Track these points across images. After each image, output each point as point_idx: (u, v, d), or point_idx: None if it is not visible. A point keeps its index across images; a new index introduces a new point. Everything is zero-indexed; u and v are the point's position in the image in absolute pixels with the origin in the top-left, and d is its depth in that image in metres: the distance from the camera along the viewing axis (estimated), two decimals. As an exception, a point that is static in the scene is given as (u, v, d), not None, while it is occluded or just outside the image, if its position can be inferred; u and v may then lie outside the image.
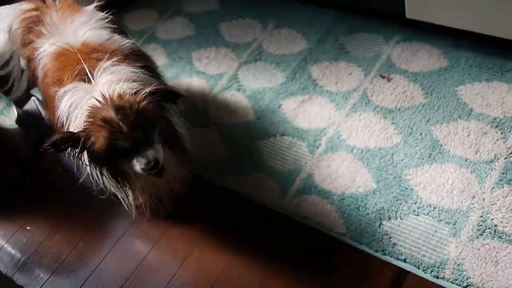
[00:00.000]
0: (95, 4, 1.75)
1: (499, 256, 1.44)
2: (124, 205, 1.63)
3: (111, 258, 1.75)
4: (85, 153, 1.45)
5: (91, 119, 1.38)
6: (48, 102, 1.63)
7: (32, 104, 2.17)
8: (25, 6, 1.82)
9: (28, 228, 1.90)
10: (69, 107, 1.46)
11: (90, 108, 1.39)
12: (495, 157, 1.63)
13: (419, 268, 1.48)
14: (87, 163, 1.49)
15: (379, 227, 1.58)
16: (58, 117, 1.52)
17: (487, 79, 1.83)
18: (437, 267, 1.47)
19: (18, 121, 2.08)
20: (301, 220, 1.67)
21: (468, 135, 1.70)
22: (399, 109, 1.83)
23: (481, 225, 1.50)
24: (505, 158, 1.62)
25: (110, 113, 1.35)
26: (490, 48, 1.91)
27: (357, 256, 1.56)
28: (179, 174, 1.65)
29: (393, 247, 1.53)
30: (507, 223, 1.49)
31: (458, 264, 1.46)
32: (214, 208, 1.78)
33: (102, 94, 1.39)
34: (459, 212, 1.54)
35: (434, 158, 1.68)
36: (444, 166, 1.65)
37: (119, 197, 1.61)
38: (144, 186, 1.57)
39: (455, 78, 1.87)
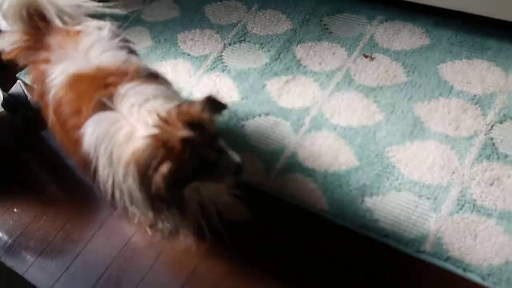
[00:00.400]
0: (98, 21, 1.60)
1: (477, 230, 1.47)
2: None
3: (98, 239, 1.77)
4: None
5: (161, 148, 1.21)
6: (66, 136, 1.47)
7: (18, 87, 2.16)
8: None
9: (15, 210, 1.91)
10: (96, 140, 1.31)
11: (152, 137, 1.22)
12: (474, 133, 1.65)
13: (400, 243, 1.51)
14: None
15: (362, 203, 1.60)
16: (83, 154, 1.36)
17: (468, 56, 1.85)
18: (418, 242, 1.50)
19: (3, 104, 2.08)
20: (285, 198, 1.69)
21: (449, 112, 1.72)
22: (382, 88, 1.85)
23: (460, 200, 1.53)
24: (485, 134, 1.64)
25: (185, 131, 1.21)
26: (471, 26, 1.92)
27: (340, 233, 1.59)
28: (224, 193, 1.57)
29: (375, 223, 1.56)
30: (486, 197, 1.52)
31: (438, 238, 1.48)
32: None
33: (161, 116, 1.25)
34: (439, 188, 1.57)
35: (415, 135, 1.70)
36: (425, 143, 1.67)
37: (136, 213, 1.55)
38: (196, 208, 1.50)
39: (436, 56, 1.88)
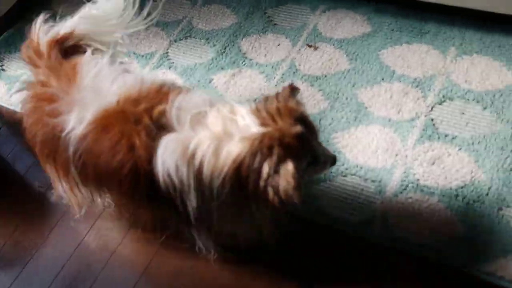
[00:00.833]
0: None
1: (421, 208, 1.51)
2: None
3: (49, 244, 1.74)
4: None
5: (277, 147, 1.11)
6: (116, 183, 1.28)
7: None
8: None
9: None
10: (170, 171, 1.17)
11: (258, 138, 1.12)
12: (416, 115, 1.69)
13: (348, 226, 1.53)
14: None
15: (309, 190, 1.62)
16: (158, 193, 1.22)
17: (408, 41, 1.89)
18: (365, 225, 1.52)
19: None
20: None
21: (391, 97, 1.76)
22: (326, 76, 1.87)
23: (404, 181, 1.56)
24: (425, 116, 1.68)
25: (297, 126, 1.14)
26: (410, 11, 1.97)
27: (290, 220, 1.60)
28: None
29: (323, 209, 1.58)
30: (428, 176, 1.56)
31: (385, 219, 1.51)
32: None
33: (263, 114, 1.15)
34: (383, 170, 1.60)
35: (359, 121, 1.73)
36: (369, 128, 1.70)
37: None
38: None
39: (378, 42, 1.92)
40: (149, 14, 1.63)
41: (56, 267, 1.67)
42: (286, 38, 2.04)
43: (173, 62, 2.08)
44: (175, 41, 2.17)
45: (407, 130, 1.66)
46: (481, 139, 1.60)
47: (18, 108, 1.60)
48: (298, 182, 1.10)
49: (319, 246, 1.53)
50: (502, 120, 1.64)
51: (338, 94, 1.81)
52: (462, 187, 1.52)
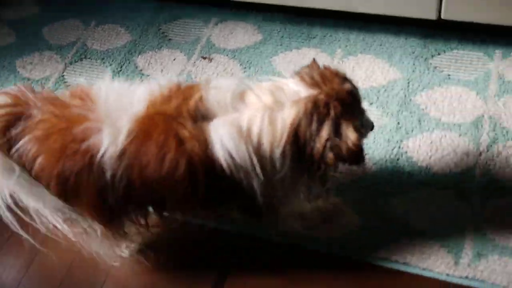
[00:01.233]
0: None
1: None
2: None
3: None
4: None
5: (336, 103, 1.11)
6: (164, 185, 1.17)
7: None
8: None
9: None
10: (231, 152, 1.12)
11: (312, 100, 1.11)
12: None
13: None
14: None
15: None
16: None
17: (297, 47, 1.98)
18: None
19: None
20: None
21: (284, 100, 1.82)
22: (221, 86, 1.91)
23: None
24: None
25: (346, 84, 1.15)
26: (297, 18, 2.06)
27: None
28: None
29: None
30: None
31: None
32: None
33: (307, 81, 1.14)
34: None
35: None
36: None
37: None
38: None
39: (269, 50, 1.99)
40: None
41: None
42: (181, 52, 2.07)
43: (69, 85, 2.06)
44: (71, 63, 2.14)
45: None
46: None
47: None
48: (361, 139, 1.14)
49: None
50: (388, 114, 1.74)
51: (234, 102, 1.85)
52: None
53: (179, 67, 2.02)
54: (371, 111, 1.73)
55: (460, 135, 1.64)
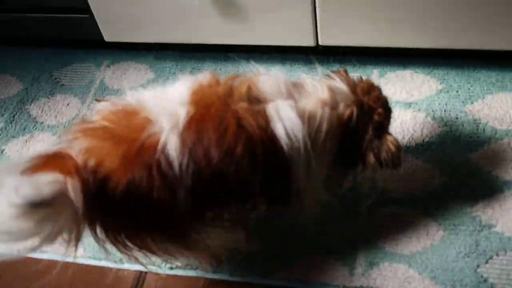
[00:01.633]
0: None
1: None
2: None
3: None
4: None
5: (382, 108, 1.29)
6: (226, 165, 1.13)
7: None
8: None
9: None
10: (295, 131, 1.16)
11: (362, 104, 1.26)
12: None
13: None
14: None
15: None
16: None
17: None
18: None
19: None
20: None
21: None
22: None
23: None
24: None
25: (384, 95, 1.33)
26: (188, 55, 2.12)
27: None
28: None
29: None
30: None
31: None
32: None
33: (352, 86, 1.27)
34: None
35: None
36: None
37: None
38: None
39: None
40: None
41: None
42: (75, 96, 2.07)
43: (-41, 140, 1.99)
44: (-41, 117, 2.08)
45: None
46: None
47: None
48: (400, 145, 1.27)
49: None
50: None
51: (130, 141, 1.87)
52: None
53: (74, 111, 2.01)
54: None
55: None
